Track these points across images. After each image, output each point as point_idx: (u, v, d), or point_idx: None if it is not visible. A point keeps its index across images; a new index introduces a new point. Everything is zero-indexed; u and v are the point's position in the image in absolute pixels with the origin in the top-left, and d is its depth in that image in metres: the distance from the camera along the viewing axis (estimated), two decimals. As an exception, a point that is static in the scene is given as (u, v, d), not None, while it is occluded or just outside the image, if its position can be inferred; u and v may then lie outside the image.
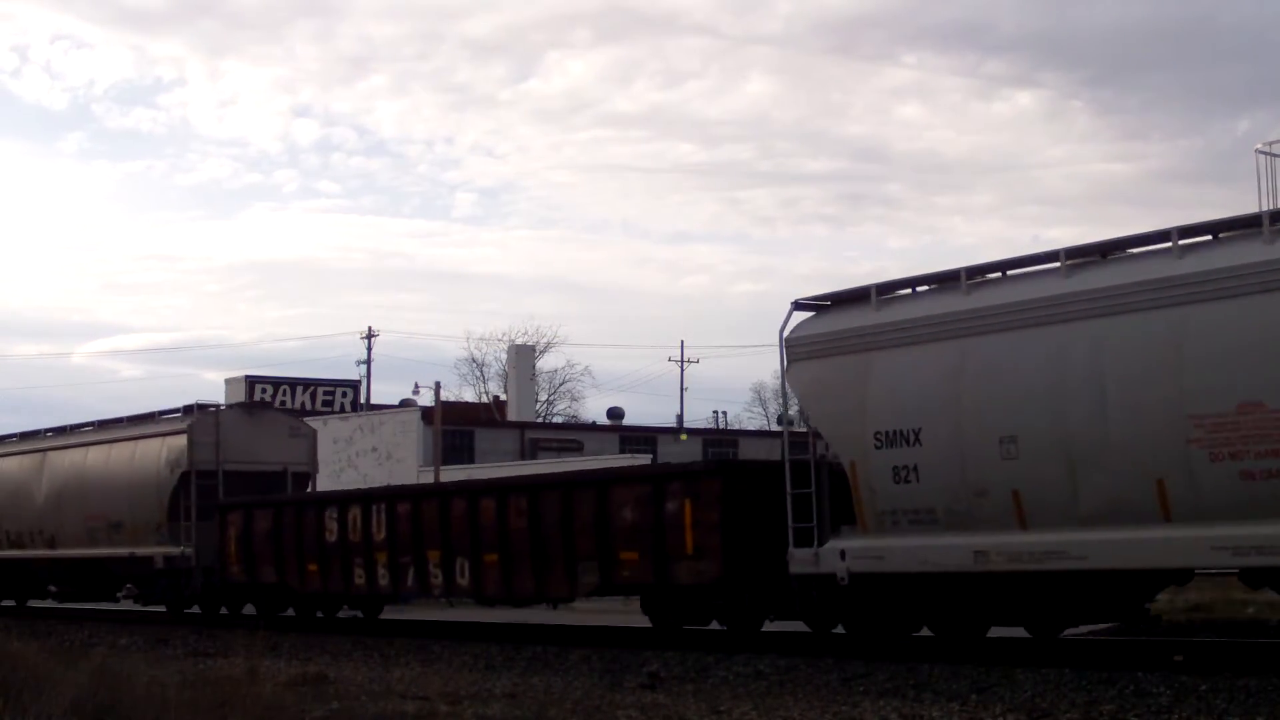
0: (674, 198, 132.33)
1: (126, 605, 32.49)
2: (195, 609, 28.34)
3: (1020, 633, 17.48)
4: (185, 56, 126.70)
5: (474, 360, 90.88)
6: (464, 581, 21.93)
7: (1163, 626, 20.40)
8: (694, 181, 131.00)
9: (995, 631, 17.57)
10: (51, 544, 31.38)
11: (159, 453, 28.84)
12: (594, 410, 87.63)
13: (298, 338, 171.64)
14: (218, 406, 30.16)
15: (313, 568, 24.80)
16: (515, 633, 22.62)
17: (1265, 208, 15.70)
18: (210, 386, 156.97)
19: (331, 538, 24.22)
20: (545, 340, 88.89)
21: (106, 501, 29.56)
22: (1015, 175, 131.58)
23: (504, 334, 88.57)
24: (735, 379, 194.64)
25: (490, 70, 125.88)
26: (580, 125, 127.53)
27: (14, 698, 11.47)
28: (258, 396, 60.14)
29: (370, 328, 76.33)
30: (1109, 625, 18.52)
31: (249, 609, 27.62)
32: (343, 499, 25.20)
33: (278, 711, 12.93)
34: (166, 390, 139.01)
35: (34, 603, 34.07)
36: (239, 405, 31.61)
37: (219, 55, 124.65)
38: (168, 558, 27.79)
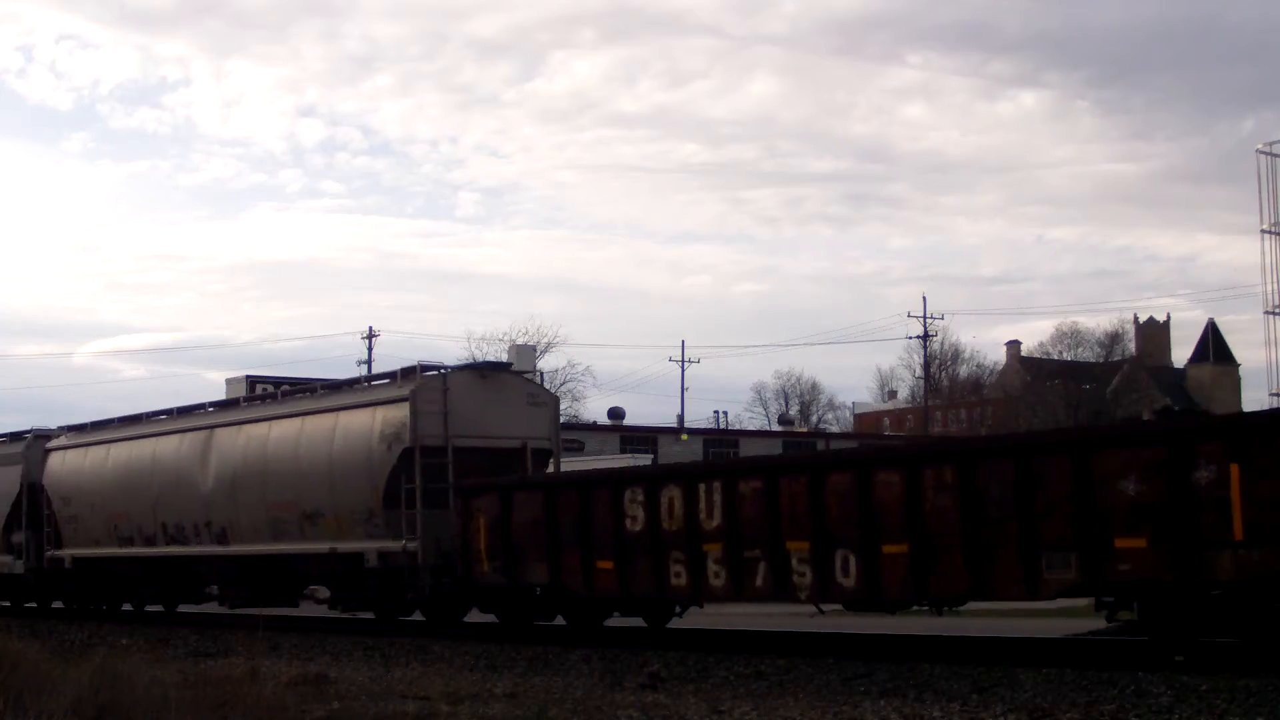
0: (678, 198, 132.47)
1: (313, 611, 28.46)
2: (417, 615, 23.76)
3: (1018, 631, 17.43)
4: (191, 56, 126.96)
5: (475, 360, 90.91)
6: (848, 581, 17.14)
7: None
8: (698, 181, 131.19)
9: (990, 631, 17.54)
10: (222, 539, 26.39)
11: (370, 426, 23.50)
12: (595, 410, 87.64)
13: (300, 337, 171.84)
14: (444, 368, 24.01)
15: (605, 565, 19.96)
16: (515, 633, 22.56)
17: (1266, 207, 15.64)
18: (212, 386, 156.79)
19: (635, 527, 19.50)
20: (546, 340, 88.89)
21: (298, 487, 24.53)
22: (1019, 175, 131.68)
23: (505, 334, 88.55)
24: (736, 379, 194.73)
25: (495, 70, 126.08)
26: (585, 125, 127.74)
27: (14, 698, 11.47)
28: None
29: (371, 328, 76.26)
30: (1111, 625, 18.38)
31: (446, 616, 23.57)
32: (653, 476, 20.50)
33: (278, 711, 12.94)
34: (168, 390, 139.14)
35: (185, 608, 30.40)
36: (470, 367, 25.24)
37: (224, 55, 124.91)
38: (384, 554, 22.92)
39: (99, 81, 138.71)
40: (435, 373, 23.65)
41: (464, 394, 23.39)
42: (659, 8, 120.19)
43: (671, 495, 19.19)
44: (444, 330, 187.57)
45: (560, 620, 21.90)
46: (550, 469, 24.46)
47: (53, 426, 33.40)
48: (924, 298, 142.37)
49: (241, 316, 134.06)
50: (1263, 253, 21.66)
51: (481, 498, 21.89)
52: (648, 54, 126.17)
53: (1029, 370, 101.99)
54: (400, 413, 22.95)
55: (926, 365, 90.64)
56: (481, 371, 24.82)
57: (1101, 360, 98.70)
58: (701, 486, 18.84)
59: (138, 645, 22.94)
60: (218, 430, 27.01)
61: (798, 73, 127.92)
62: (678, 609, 21.58)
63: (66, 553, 30.98)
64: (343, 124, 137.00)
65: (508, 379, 24.77)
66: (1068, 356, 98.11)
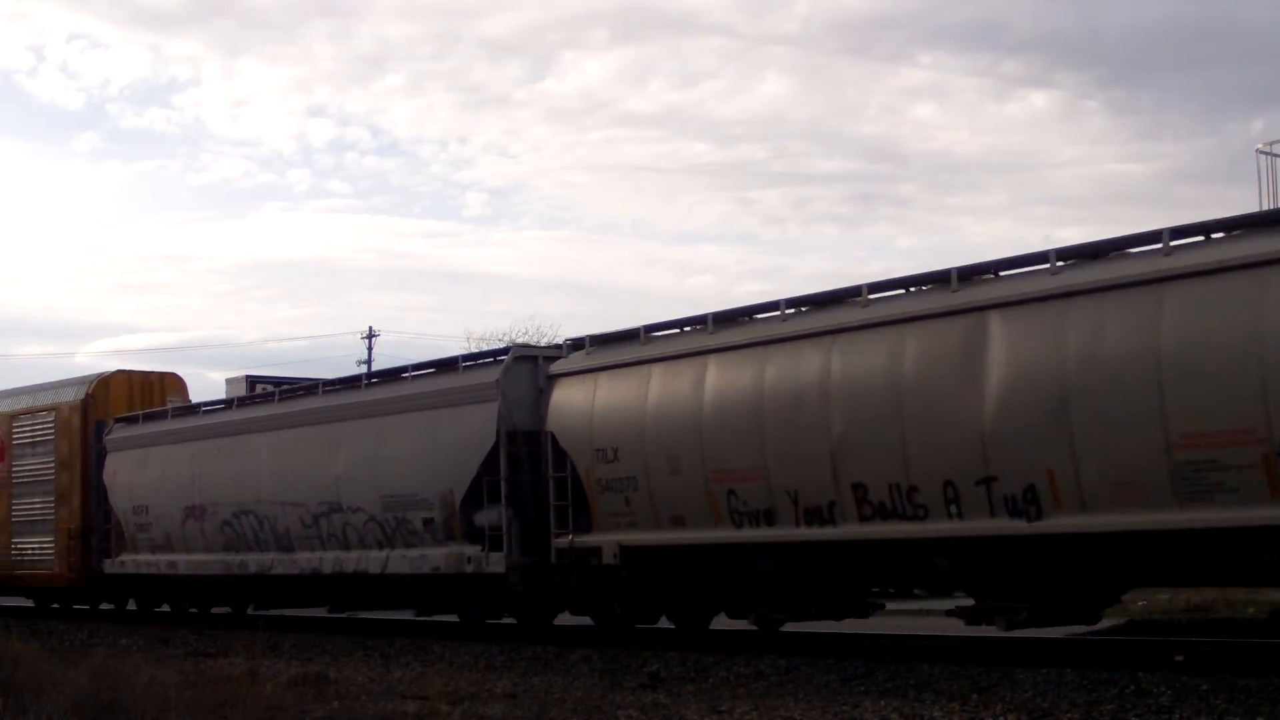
0: (686, 198, 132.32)
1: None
2: None
3: (1020, 631, 17.39)
4: (201, 56, 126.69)
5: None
6: None
7: (1163, 626, 20.43)
8: (707, 182, 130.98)
9: (989, 630, 17.50)
10: (1021, 508, 14.93)
11: None
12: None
13: (303, 337, 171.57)
14: None
15: None
16: (515, 633, 22.58)
17: (1265, 208, 15.60)
18: (214, 385, 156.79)
19: None
20: (546, 340, 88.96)
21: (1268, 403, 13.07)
22: (1028, 175, 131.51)
23: (504, 334, 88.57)
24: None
25: (506, 70, 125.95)
26: (594, 125, 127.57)
27: (14, 698, 11.48)
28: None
29: (370, 327, 76.13)
30: (1110, 624, 18.44)
31: None
32: None
33: (278, 711, 12.94)
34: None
35: (786, 626, 19.38)
36: None
37: (235, 55, 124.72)
38: None
39: (109, 81, 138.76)
40: None
41: None
42: (671, 7, 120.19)
43: None
44: (448, 331, 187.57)
45: None
46: None
47: (540, 343, 21.75)
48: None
49: (246, 316, 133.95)
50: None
51: None
52: (658, 54, 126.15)
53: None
54: None
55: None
56: None
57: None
58: None
59: (137, 645, 22.92)
60: (996, 314, 15.26)
61: (808, 73, 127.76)
62: None
63: (605, 539, 19.38)
64: (352, 124, 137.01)
65: None
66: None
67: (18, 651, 14.86)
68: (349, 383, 24.57)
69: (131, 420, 28.98)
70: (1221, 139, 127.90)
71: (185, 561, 26.93)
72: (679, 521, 18.30)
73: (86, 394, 29.84)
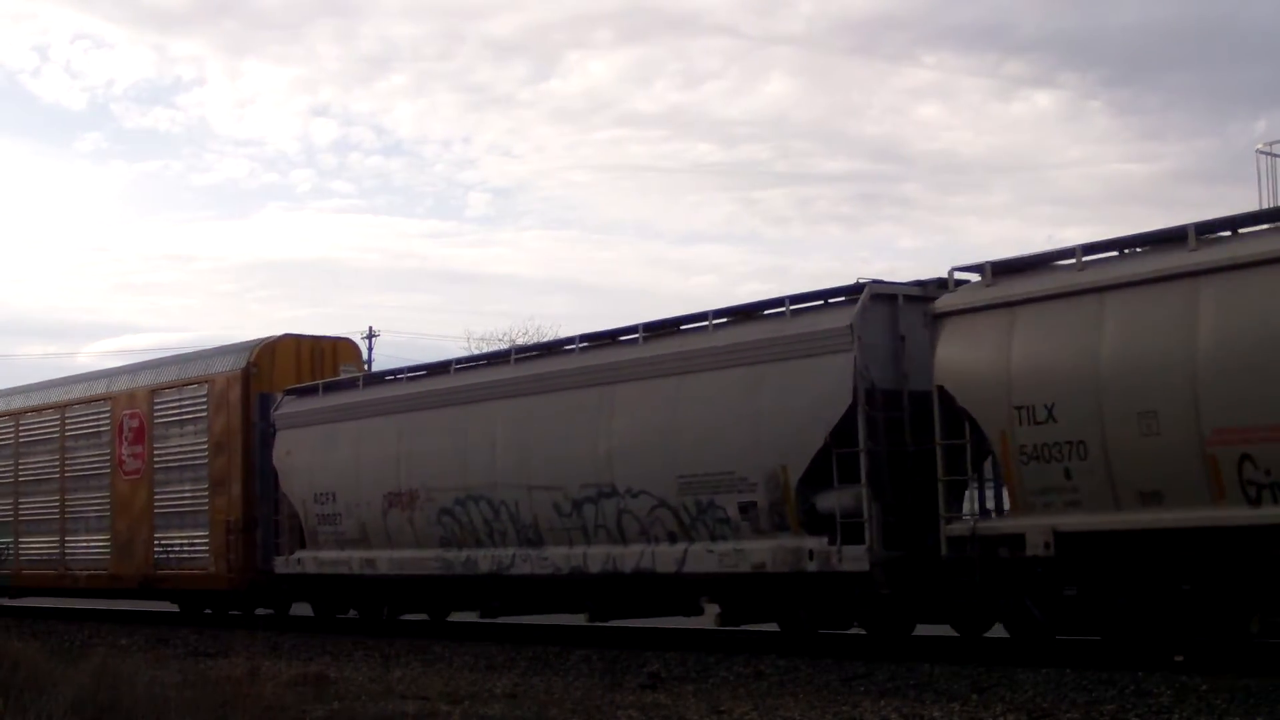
0: (690, 198, 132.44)
1: None
2: None
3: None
4: (206, 56, 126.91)
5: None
6: None
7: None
8: (711, 182, 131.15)
9: (989, 631, 17.50)
10: None
11: None
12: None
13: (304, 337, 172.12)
14: None
15: None
16: (515, 633, 22.58)
17: (1266, 208, 15.60)
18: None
19: None
20: (546, 339, 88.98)
21: None
22: (1032, 175, 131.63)
23: (504, 334, 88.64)
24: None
25: (510, 70, 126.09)
26: (598, 125, 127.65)
27: (14, 698, 11.49)
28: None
29: (371, 327, 76.18)
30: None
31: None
32: None
33: (278, 712, 12.95)
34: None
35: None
36: None
37: (239, 55, 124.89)
38: None
39: (113, 81, 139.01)
40: None
41: None
42: (675, 8, 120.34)
43: None
44: (450, 331, 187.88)
45: None
46: None
47: (874, 277, 16.95)
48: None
49: (249, 316, 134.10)
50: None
51: None
52: (663, 54, 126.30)
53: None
54: None
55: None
56: None
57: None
58: None
59: (138, 645, 22.91)
60: None
61: (813, 73, 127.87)
62: None
63: (1031, 523, 14.84)
64: (356, 124, 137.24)
65: None
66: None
67: (18, 651, 14.85)
68: (616, 335, 19.94)
69: (308, 391, 24.54)
70: (1225, 139, 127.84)
71: (388, 559, 22.52)
72: (1153, 498, 13.94)
73: (248, 362, 25.69)
